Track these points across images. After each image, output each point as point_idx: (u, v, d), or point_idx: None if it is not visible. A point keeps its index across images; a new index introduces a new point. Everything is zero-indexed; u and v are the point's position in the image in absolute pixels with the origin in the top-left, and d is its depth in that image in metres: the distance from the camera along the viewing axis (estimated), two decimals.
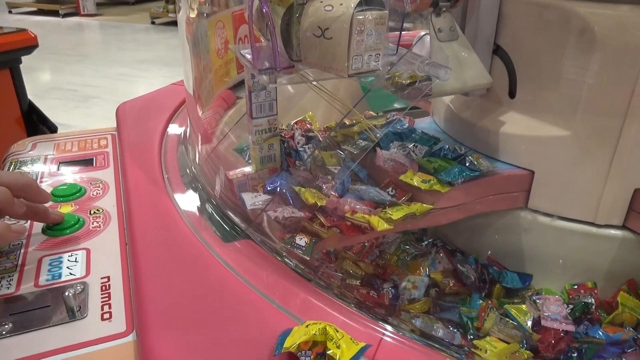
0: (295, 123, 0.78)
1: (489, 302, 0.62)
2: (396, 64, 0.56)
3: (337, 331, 0.37)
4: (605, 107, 0.58)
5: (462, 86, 0.63)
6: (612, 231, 0.62)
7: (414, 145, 0.67)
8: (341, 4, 0.49)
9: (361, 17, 0.48)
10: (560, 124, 0.61)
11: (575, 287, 0.64)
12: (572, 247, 0.64)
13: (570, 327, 0.56)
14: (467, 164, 0.63)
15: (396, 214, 0.56)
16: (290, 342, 0.37)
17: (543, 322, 0.56)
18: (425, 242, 0.72)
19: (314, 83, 0.68)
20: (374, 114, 0.83)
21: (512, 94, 0.66)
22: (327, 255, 0.68)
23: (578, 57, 0.58)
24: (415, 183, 0.60)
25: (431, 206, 0.59)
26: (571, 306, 0.60)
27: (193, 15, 0.83)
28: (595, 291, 0.63)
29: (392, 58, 0.56)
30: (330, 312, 0.45)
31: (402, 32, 0.55)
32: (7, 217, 0.55)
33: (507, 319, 0.58)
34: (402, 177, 0.61)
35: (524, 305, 0.59)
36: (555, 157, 0.62)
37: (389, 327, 0.44)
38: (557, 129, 0.61)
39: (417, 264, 0.67)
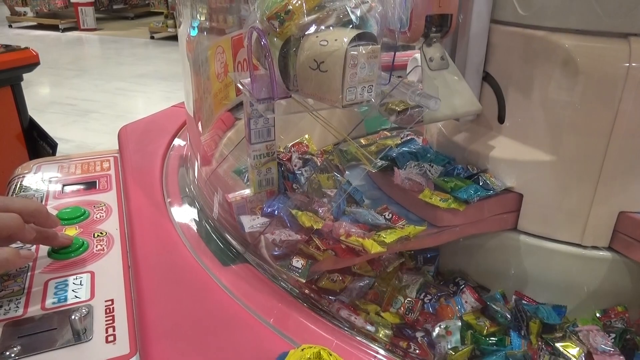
0: (293, 146, 0.81)
1: (539, 341, 0.60)
2: (388, 94, 0.58)
3: (331, 355, 0.39)
4: (588, 133, 0.60)
5: (453, 113, 0.66)
6: (599, 252, 0.65)
7: (429, 164, 0.70)
8: (336, 40, 0.51)
9: (355, 52, 0.51)
10: (547, 149, 0.64)
11: (605, 312, 0.64)
12: (559, 268, 0.66)
13: (622, 358, 0.55)
14: (480, 183, 0.65)
15: (389, 236, 0.58)
16: None
17: (596, 358, 0.56)
18: (447, 282, 0.71)
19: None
20: (388, 134, 0.86)
21: (500, 119, 0.69)
22: (349, 307, 0.65)
23: (562, 86, 0.61)
24: (434, 202, 0.63)
25: (423, 228, 0.62)
26: (613, 335, 0.59)
27: (194, 33, 0.85)
28: (626, 315, 0.63)
29: (384, 87, 0.59)
30: (325, 335, 0.47)
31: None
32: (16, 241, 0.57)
33: (560, 358, 0.57)
34: (421, 196, 0.64)
35: (571, 342, 0.58)
36: (542, 181, 0.65)
37: (380, 350, 0.47)
38: (543, 154, 0.64)
39: (447, 308, 0.66)
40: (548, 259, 0.67)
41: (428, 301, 0.67)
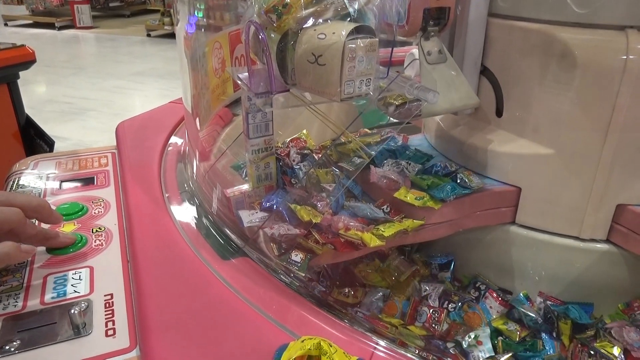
0: (291, 141, 0.81)
1: (574, 343, 0.60)
2: (387, 88, 0.59)
3: (331, 346, 0.40)
4: (586, 126, 0.60)
5: (451, 106, 0.66)
6: (596, 245, 0.65)
7: (407, 162, 0.69)
8: (334, 33, 0.51)
9: (353, 45, 0.51)
10: (545, 142, 0.64)
11: (629, 305, 0.63)
12: (557, 261, 0.67)
13: None
14: (458, 181, 0.65)
15: (388, 230, 0.58)
16: (287, 357, 0.39)
17: (634, 354, 0.55)
18: (466, 287, 0.70)
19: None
20: (369, 132, 0.85)
21: (499, 112, 0.69)
22: (372, 320, 0.64)
23: (560, 79, 0.61)
24: (409, 200, 0.62)
25: (422, 222, 0.62)
26: None
27: (191, 30, 0.84)
28: None
29: (382, 81, 0.59)
30: (324, 327, 0.47)
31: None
32: None
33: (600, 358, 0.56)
34: (396, 195, 0.62)
35: (607, 341, 0.57)
36: (540, 174, 0.65)
37: (380, 341, 0.47)
38: (542, 147, 0.64)
39: (473, 315, 0.64)
40: (546, 251, 0.67)
41: (452, 309, 0.65)
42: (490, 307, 0.65)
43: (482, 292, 0.67)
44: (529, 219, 0.67)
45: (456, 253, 0.74)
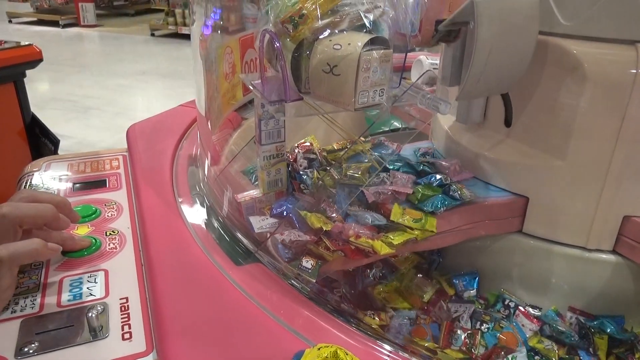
0: (298, 145, 0.81)
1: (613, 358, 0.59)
2: (399, 97, 0.59)
3: (347, 354, 0.40)
4: (595, 138, 0.61)
5: None
6: (603, 255, 0.66)
7: (387, 174, 0.68)
8: (349, 44, 0.52)
9: (368, 56, 0.51)
10: (554, 153, 0.65)
11: None
12: (564, 270, 0.67)
13: None
14: (450, 193, 0.65)
15: (397, 238, 0.59)
16: None
17: None
18: (494, 304, 0.69)
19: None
20: (362, 139, 0.85)
21: (508, 123, 0.70)
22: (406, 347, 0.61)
23: (570, 91, 0.62)
24: (407, 223, 0.61)
25: (433, 231, 0.63)
26: None
27: (207, 32, 0.85)
28: None
29: (395, 91, 0.60)
30: (338, 335, 0.48)
31: None
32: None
33: None
34: (392, 218, 0.61)
35: None
36: (549, 185, 0.65)
37: (387, 347, 0.47)
38: (551, 158, 0.65)
39: (508, 335, 0.63)
40: (552, 261, 0.68)
41: (486, 330, 0.64)
42: (523, 325, 0.65)
43: (512, 310, 0.67)
44: (536, 228, 0.68)
45: (462, 261, 0.74)
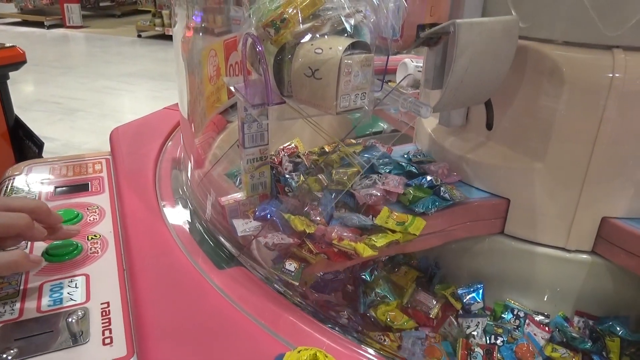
0: (282, 149, 0.82)
1: None
2: (381, 101, 0.60)
3: (326, 356, 0.41)
4: (574, 140, 0.62)
5: None
6: (582, 256, 0.67)
7: (378, 175, 0.68)
8: (330, 48, 0.52)
9: (349, 60, 0.52)
10: (534, 156, 0.66)
11: None
12: (544, 271, 0.68)
13: None
14: (441, 194, 0.66)
15: (380, 241, 0.60)
16: None
17: None
18: (502, 315, 0.68)
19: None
20: (353, 142, 0.86)
21: (489, 126, 0.71)
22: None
23: (549, 95, 0.63)
24: (390, 226, 0.61)
25: (415, 234, 0.63)
26: None
27: (189, 33, 0.85)
28: None
29: (377, 94, 0.60)
30: (319, 337, 0.48)
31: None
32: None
33: None
34: (377, 221, 0.62)
35: None
36: (529, 187, 0.66)
37: (370, 350, 0.48)
38: (531, 161, 0.66)
39: (524, 347, 0.62)
40: (533, 262, 0.69)
41: (502, 343, 0.63)
42: (535, 334, 0.64)
43: (522, 320, 0.67)
44: (517, 229, 0.69)
45: (443, 263, 0.75)
